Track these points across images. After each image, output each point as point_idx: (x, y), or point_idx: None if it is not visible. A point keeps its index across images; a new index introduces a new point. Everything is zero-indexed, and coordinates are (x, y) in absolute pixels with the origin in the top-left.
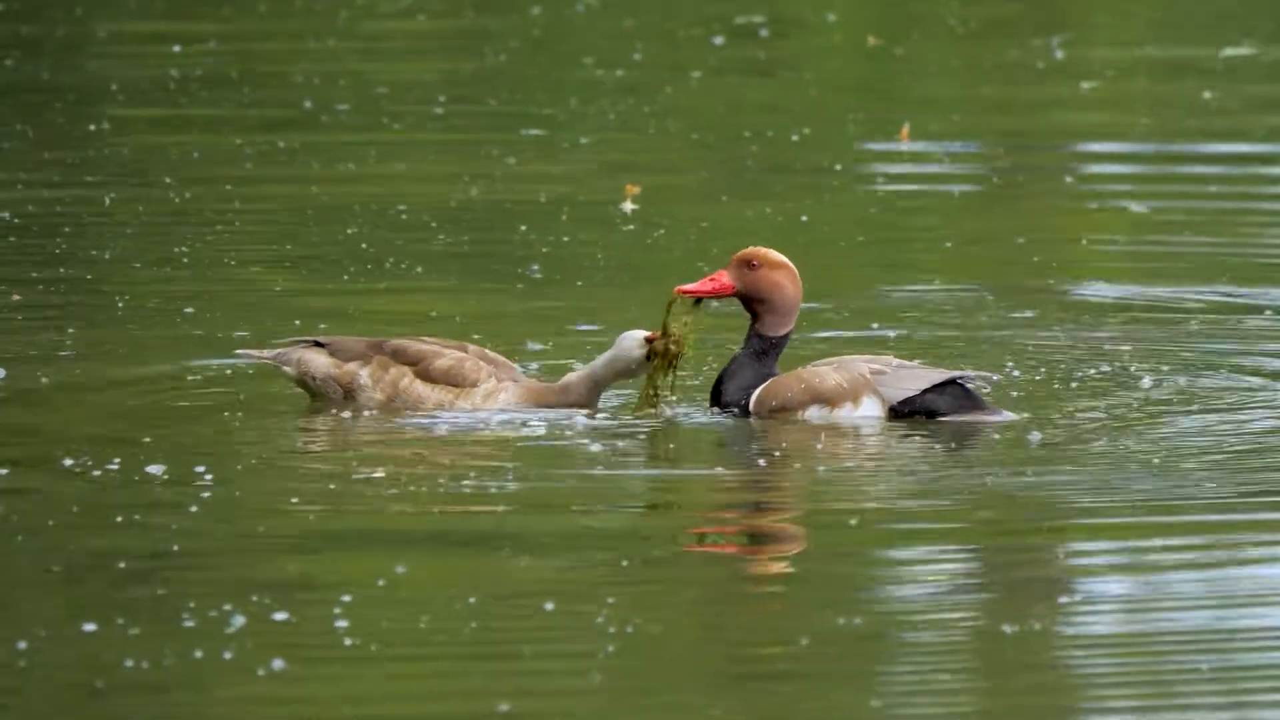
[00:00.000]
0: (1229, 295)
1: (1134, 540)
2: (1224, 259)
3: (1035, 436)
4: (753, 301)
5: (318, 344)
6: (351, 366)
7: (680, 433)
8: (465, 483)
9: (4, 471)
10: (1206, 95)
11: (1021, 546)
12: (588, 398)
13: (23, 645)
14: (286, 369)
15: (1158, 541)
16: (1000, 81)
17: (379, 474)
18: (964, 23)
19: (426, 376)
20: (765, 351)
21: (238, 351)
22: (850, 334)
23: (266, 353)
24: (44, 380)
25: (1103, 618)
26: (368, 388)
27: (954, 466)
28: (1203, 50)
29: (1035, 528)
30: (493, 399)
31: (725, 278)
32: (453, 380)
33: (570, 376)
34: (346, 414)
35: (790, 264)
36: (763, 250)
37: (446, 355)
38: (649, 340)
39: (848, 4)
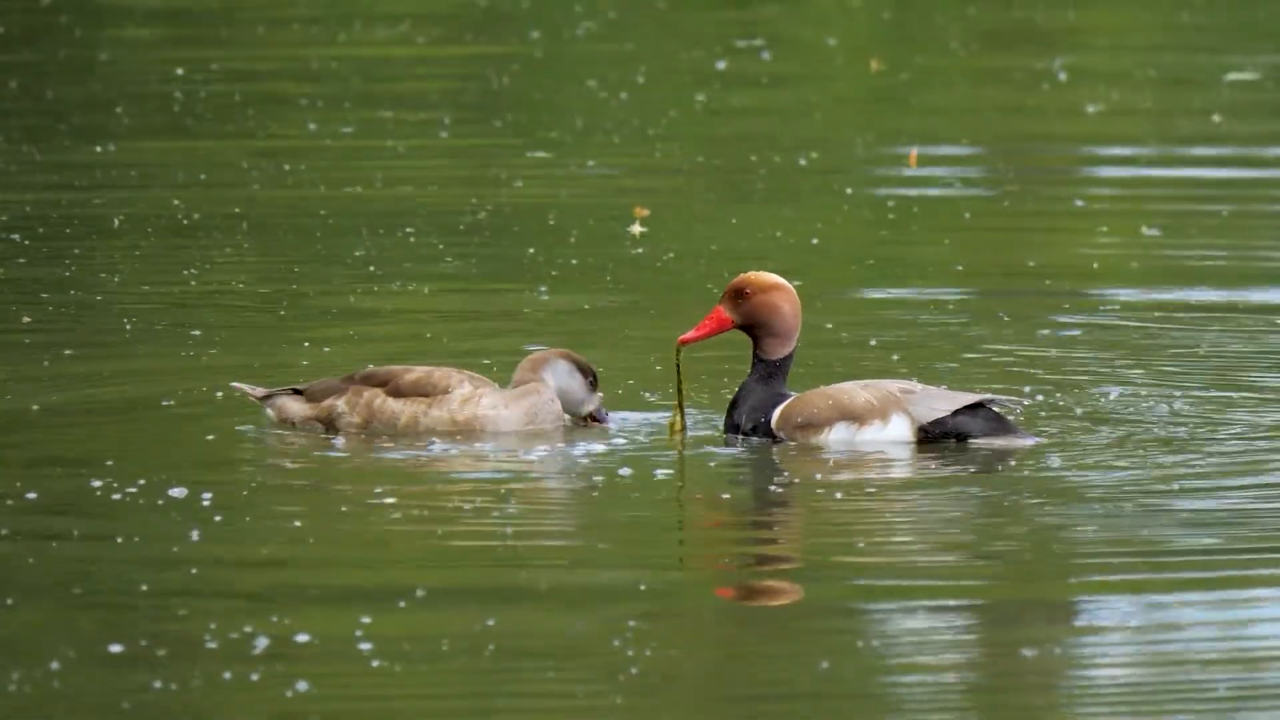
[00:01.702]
0: (1243, 317)
1: (1148, 587)
2: (1238, 282)
3: (1055, 462)
4: (753, 328)
5: (296, 391)
6: (328, 402)
7: (697, 458)
8: (477, 509)
9: (31, 495)
10: (1216, 118)
11: (1038, 590)
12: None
13: (55, 666)
14: (270, 413)
15: (1172, 586)
16: (1006, 104)
17: (390, 500)
18: (965, 45)
19: (397, 393)
20: (771, 375)
21: (233, 384)
22: (862, 356)
23: (258, 391)
24: (54, 404)
25: (1115, 668)
26: (345, 414)
27: (973, 501)
28: (1206, 73)
29: (1051, 573)
30: (473, 404)
31: (722, 313)
32: (422, 391)
33: (528, 389)
34: (348, 439)
35: (783, 283)
36: (753, 276)
37: (415, 370)
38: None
39: (847, 27)
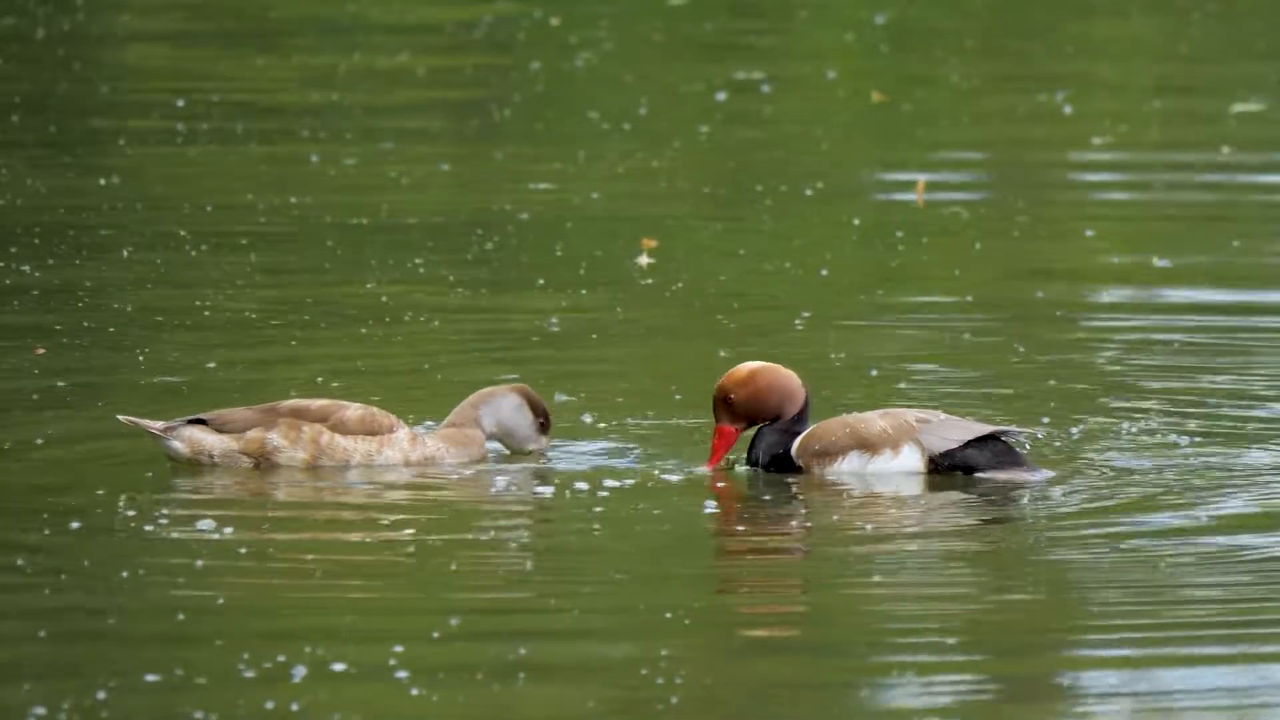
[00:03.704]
0: (1257, 348)
1: (1159, 642)
2: (1250, 313)
3: (1065, 498)
4: (759, 419)
5: (200, 421)
6: (255, 434)
7: (710, 488)
8: (494, 539)
9: (76, 525)
10: (1225, 149)
11: (1046, 635)
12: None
13: (101, 695)
14: (177, 445)
15: (1185, 639)
16: (1012, 136)
17: (408, 531)
18: (966, 79)
19: (343, 429)
20: (788, 430)
21: (121, 417)
22: (871, 385)
23: (155, 424)
24: (73, 433)
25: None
26: (286, 448)
27: (982, 540)
28: (1212, 105)
29: (1056, 624)
30: (420, 445)
31: (724, 427)
32: (369, 430)
33: (467, 436)
34: (354, 474)
35: (756, 364)
36: (726, 380)
37: (350, 407)
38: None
39: (847, 61)
